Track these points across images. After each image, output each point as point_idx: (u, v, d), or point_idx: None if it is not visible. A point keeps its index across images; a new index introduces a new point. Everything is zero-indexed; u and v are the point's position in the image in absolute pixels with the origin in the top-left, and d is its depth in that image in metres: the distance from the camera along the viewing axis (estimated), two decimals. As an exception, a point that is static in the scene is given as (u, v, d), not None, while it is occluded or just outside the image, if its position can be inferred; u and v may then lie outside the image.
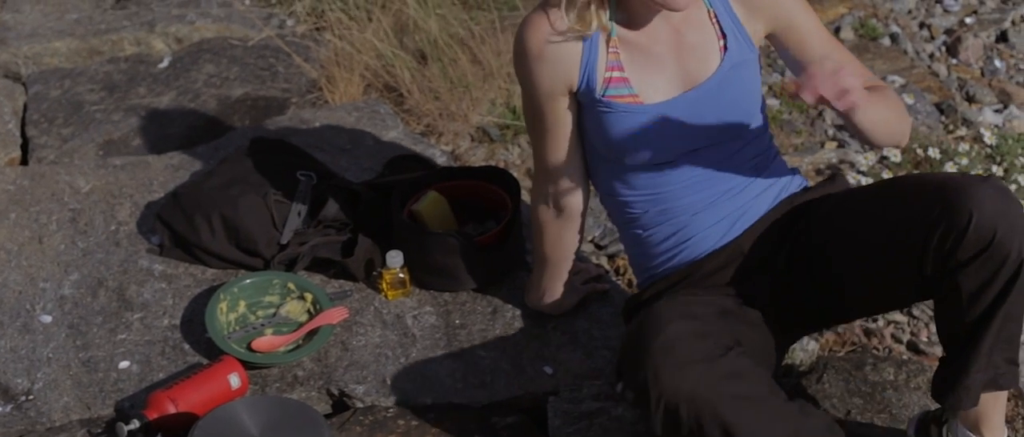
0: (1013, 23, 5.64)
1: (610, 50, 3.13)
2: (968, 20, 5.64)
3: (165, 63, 5.09)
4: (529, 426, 3.48)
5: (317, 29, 5.24)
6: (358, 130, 4.48)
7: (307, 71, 4.94)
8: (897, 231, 2.93)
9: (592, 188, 3.44)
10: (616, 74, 3.13)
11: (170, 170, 4.26)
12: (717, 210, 3.23)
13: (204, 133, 4.64)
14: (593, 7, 3.09)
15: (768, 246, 3.23)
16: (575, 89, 3.17)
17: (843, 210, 3.16)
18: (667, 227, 3.27)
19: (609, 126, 3.16)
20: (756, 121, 3.24)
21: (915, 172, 3.24)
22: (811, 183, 3.43)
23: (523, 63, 3.19)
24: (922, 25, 5.63)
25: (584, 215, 3.48)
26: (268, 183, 3.94)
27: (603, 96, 3.13)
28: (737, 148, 3.23)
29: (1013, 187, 4.31)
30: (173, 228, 3.91)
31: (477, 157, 4.57)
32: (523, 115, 3.36)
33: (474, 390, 3.54)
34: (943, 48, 5.49)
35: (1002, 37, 5.57)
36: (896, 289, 3.06)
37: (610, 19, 3.12)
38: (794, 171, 3.36)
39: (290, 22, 5.30)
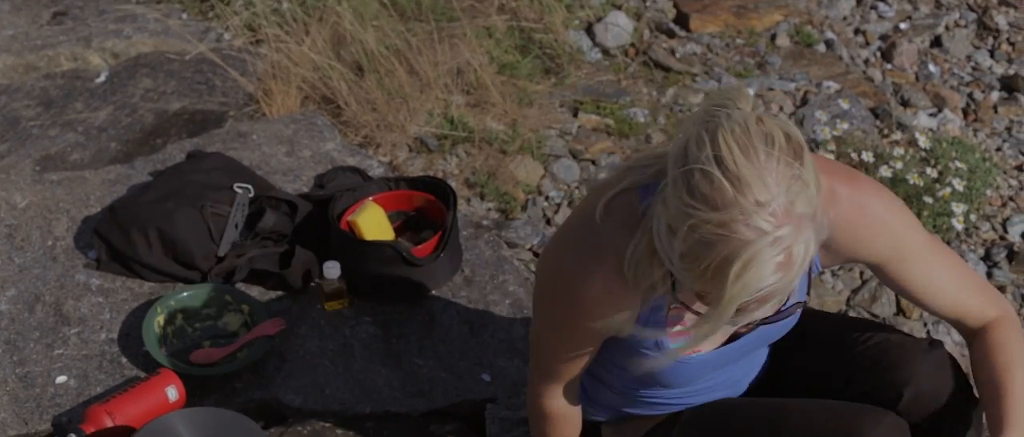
0: (947, 28, 5.68)
1: (672, 307, 2.60)
2: (903, 25, 5.68)
3: (102, 78, 5.07)
4: (468, 433, 3.49)
5: (254, 43, 5.22)
6: (295, 142, 4.48)
7: (244, 84, 4.93)
8: (844, 397, 2.81)
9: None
10: (679, 328, 2.65)
11: (107, 185, 4.25)
12: (743, 385, 2.99)
13: (141, 147, 4.62)
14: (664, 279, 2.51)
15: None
16: (621, 335, 2.68)
17: (802, 367, 2.97)
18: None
19: (662, 373, 2.76)
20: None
21: (863, 333, 3.04)
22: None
23: (569, 309, 2.65)
24: (857, 31, 5.66)
25: None
26: (205, 196, 3.93)
27: (670, 348, 2.68)
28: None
29: (947, 190, 4.34)
30: (110, 242, 3.91)
31: (415, 167, 4.57)
32: (537, 334, 2.85)
33: (412, 399, 3.55)
34: (878, 53, 5.52)
35: (936, 42, 5.61)
36: None
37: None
38: None
39: (227, 36, 5.29)
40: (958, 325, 2.83)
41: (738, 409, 2.89)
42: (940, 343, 2.79)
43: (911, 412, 2.71)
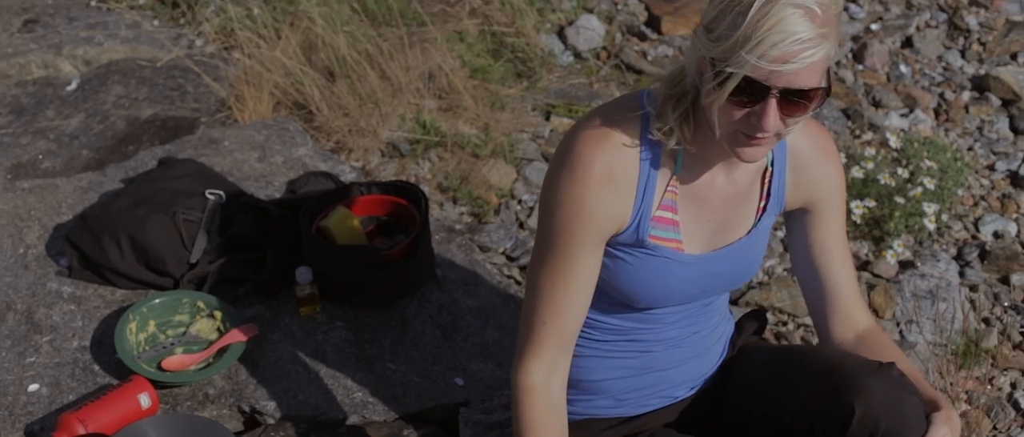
0: (918, 29, 5.70)
1: (668, 188, 2.73)
2: (874, 26, 5.70)
3: (73, 85, 5.06)
4: (441, 438, 3.50)
5: (226, 48, 5.22)
6: (267, 148, 4.48)
7: (216, 90, 4.92)
8: (792, 418, 2.84)
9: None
10: (668, 214, 2.75)
11: (79, 192, 4.24)
12: (688, 348, 3.01)
13: (113, 155, 4.62)
14: (680, 123, 2.66)
15: (704, 407, 3.09)
16: (621, 229, 2.72)
17: (750, 388, 3.01)
18: (636, 359, 2.98)
19: (642, 271, 2.78)
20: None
21: (810, 357, 3.09)
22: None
23: (580, 183, 2.66)
24: (829, 32, 5.68)
25: None
26: (176, 202, 3.93)
27: (648, 237, 2.74)
28: (725, 295, 3.07)
29: (918, 190, 4.36)
30: (81, 250, 3.90)
31: (388, 172, 4.58)
32: (537, 258, 2.78)
33: (386, 404, 3.55)
34: (849, 54, 5.54)
35: (907, 43, 5.63)
36: None
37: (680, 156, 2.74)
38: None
39: (199, 42, 5.28)
40: (830, 296, 2.99)
41: None
42: (891, 364, 2.80)
43: (865, 427, 2.70)
